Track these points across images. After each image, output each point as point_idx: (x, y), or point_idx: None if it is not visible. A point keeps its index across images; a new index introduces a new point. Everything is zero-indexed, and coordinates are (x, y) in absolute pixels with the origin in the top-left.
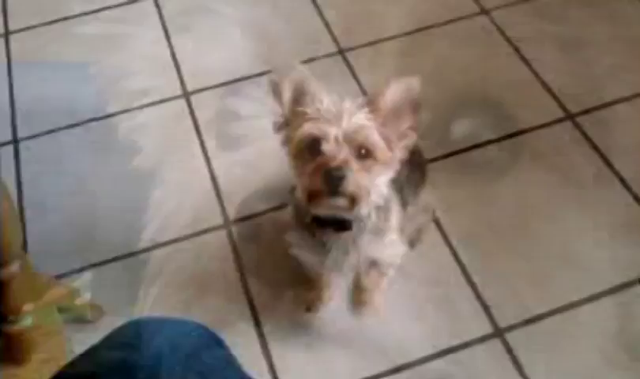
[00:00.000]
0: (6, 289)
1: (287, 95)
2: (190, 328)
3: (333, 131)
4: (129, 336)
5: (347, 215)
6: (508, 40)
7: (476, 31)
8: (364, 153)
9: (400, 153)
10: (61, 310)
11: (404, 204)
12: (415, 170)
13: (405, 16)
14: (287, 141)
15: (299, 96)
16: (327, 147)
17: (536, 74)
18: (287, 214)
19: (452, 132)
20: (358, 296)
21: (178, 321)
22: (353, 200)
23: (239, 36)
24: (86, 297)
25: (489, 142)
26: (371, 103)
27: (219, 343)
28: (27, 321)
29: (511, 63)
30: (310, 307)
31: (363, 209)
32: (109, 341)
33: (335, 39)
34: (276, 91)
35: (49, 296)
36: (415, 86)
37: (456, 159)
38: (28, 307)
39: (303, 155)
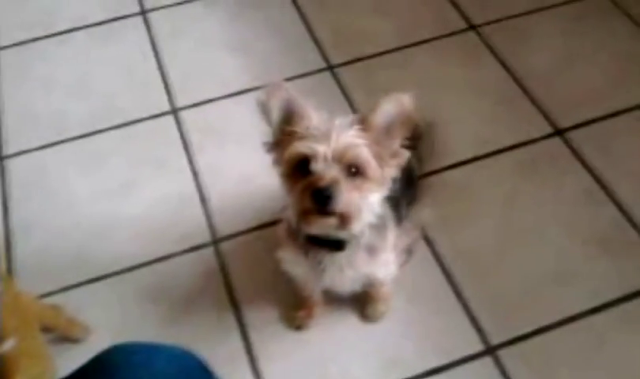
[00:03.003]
0: None
1: (275, 114)
2: (177, 354)
3: (321, 149)
4: (114, 363)
5: (340, 235)
6: (496, 56)
7: (465, 46)
8: (354, 171)
9: (392, 171)
10: (47, 330)
11: (399, 219)
12: (409, 187)
13: (394, 32)
14: (277, 161)
15: (287, 115)
16: (316, 166)
17: (525, 90)
18: (277, 231)
19: (442, 148)
20: (364, 310)
21: (164, 348)
22: (344, 219)
23: (227, 51)
24: (72, 316)
25: (479, 158)
26: (362, 120)
27: (205, 370)
28: (10, 344)
29: (500, 78)
30: (300, 325)
31: (355, 228)
32: (95, 365)
33: (324, 55)
34: (264, 111)
35: (33, 317)
36: (407, 103)
37: (446, 176)
38: (10, 330)
39: (293, 175)
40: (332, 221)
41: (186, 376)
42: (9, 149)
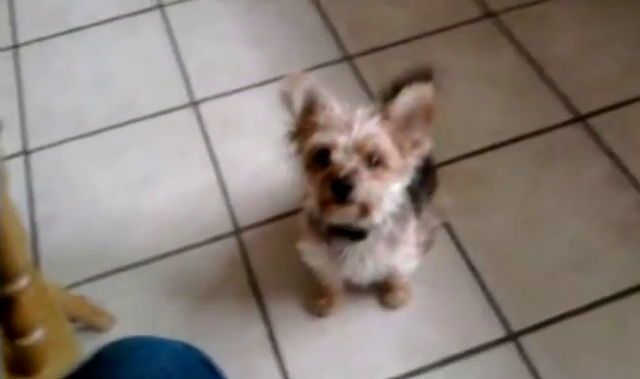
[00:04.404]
0: (16, 304)
1: (297, 104)
2: (177, 349)
3: (342, 140)
4: (115, 358)
5: (361, 224)
6: (514, 43)
7: (483, 34)
8: (375, 161)
9: (413, 161)
10: (73, 320)
11: (417, 210)
12: (427, 176)
13: (410, 21)
14: (299, 151)
15: (310, 106)
16: (336, 156)
17: (544, 77)
18: (298, 221)
19: (461, 136)
20: (384, 299)
21: (166, 343)
22: (364, 209)
23: (244, 44)
24: (97, 306)
25: (497, 146)
26: (383, 110)
27: (206, 366)
28: (38, 335)
29: (518, 66)
30: (321, 313)
31: (376, 217)
32: (96, 360)
33: (341, 46)
34: (286, 101)
35: (60, 307)
36: (428, 94)
37: (465, 164)
38: (38, 321)
39: (314, 165)
40: (352, 211)
41: (184, 372)
42: (32, 144)
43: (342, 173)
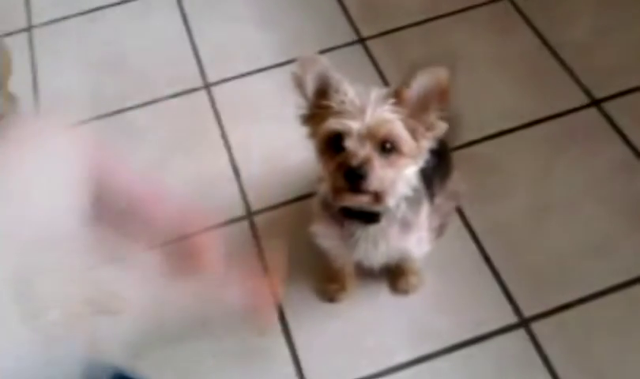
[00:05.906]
0: None
1: (310, 87)
2: None
3: (355, 126)
4: None
5: (374, 208)
6: (531, 25)
7: (499, 16)
8: (389, 147)
9: (427, 143)
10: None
11: (431, 195)
12: (441, 160)
13: (425, 3)
14: (312, 135)
15: (322, 89)
16: (349, 143)
17: (560, 60)
18: (311, 204)
19: (475, 120)
20: (395, 283)
21: None
22: (377, 196)
23: (257, 26)
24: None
25: (512, 130)
26: (397, 94)
27: None
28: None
29: (534, 48)
30: (332, 297)
31: (390, 202)
32: None
33: (355, 28)
34: (299, 84)
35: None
36: (443, 76)
37: (479, 148)
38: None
39: (327, 150)
40: (365, 199)
41: None
42: None
43: (355, 162)
